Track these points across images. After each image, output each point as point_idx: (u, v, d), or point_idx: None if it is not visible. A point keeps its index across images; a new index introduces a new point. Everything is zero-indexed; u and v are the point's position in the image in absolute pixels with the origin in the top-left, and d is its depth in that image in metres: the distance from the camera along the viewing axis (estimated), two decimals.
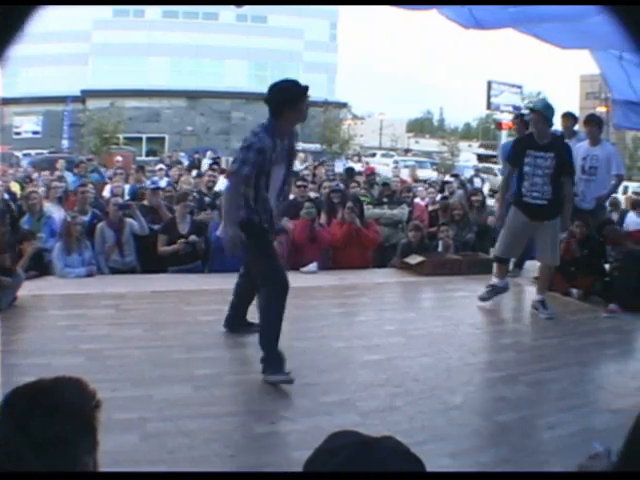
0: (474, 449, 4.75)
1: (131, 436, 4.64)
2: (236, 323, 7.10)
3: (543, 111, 8.34)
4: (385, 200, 13.00)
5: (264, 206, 6.03)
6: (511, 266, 10.46)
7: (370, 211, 12.05)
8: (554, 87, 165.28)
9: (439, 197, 14.96)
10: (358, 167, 28.18)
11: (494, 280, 8.89)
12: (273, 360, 5.82)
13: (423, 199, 13.43)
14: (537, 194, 8.31)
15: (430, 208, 13.71)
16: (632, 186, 31.67)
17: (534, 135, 8.42)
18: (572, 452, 4.24)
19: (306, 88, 5.99)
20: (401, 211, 12.44)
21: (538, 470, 4.34)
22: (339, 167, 25.17)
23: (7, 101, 53.84)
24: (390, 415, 5.27)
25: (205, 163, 25.48)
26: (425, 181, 21.58)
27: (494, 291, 8.85)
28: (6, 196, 12.16)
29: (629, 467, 1.44)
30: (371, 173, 18.94)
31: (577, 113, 12.24)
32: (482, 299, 8.82)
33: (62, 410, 1.73)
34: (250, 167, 5.82)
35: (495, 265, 9.08)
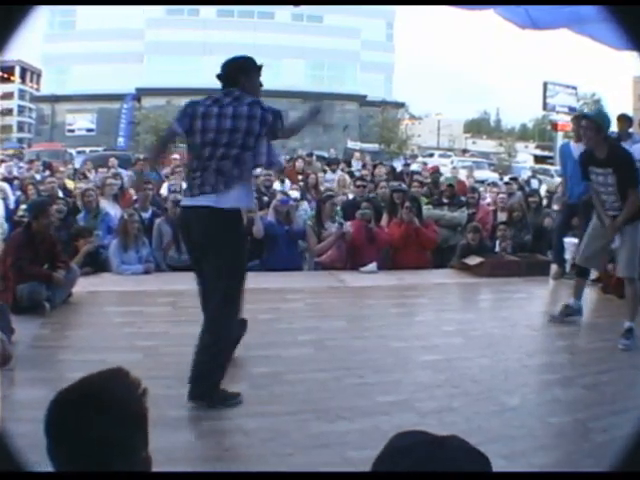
0: (528, 451, 4.68)
1: (187, 434, 4.65)
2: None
3: (595, 118, 7.48)
4: (445, 201, 12.97)
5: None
6: (568, 268, 10.31)
7: (430, 211, 12.04)
8: (607, 88, 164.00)
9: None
10: (415, 167, 27.87)
11: None
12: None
13: (493, 203, 13.07)
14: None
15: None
16: None
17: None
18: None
19: (258, 63, 5.95)
20: (461, 214, 12.38)
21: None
22: (398, 167, 24.86)
23: (59, 98, 54.71)
24: (448, 416, 5.22)
25: None
26: (483, 182, 21.32)
27: None
28: (60, 193, 12.26)
29: None
30: (435, 171, 18.76)
31: (630, 115, 11.99)
32: None
33: (113, 407, 1.71)
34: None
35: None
